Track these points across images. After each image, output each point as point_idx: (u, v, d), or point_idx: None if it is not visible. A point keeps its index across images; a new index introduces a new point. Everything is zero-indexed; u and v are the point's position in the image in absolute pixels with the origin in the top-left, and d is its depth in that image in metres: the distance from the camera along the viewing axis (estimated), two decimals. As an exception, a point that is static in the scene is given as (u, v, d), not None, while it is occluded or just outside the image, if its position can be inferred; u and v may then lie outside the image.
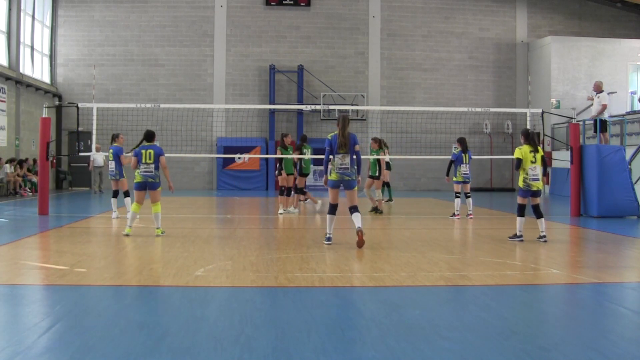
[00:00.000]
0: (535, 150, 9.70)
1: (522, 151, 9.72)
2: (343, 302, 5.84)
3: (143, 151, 10.25)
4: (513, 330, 4.99)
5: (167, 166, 10.57)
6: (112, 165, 12.95)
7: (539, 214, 9.91)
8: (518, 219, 9.83)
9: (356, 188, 9.25)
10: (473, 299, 6.09)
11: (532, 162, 9.66)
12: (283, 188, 14.30)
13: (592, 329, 5.03)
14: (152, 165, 10.24)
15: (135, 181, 10.35)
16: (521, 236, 9.77)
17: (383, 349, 4.38)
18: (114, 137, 13.26)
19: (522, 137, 9.92)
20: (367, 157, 14.96)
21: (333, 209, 9.30)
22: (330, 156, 9.32)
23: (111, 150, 13.02)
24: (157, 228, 10.34)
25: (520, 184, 9.78)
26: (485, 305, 5.83)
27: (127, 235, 10.15)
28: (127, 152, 13.01)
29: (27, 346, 4.36)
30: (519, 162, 9.74)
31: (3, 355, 4.11)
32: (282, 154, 14.43)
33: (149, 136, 10.42)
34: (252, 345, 4.39)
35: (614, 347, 4.49)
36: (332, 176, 9.20)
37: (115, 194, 13.28)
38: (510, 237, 9.91)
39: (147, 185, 10.28)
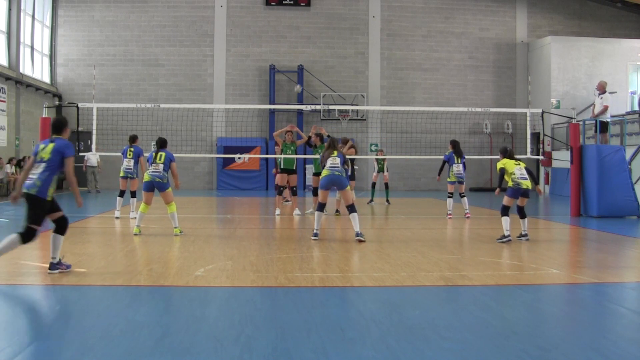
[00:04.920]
0: (515, 158, 10.07)
1: (503, 161, 9.99)
2: (343, 302, 5.84)
3: (154, 154, 10.65)
4: (513, 330, 4.99)
5: (176, 172, 10.86)
6: (130, 163, 12.82)
7: (523, 215, 10.02)
8: (503, 219, 9.82)
9: (348, 188, 9.92)
10: (473, 299, 6.09)
11: (516, 165, 9.90)
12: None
13: (592, 329, 5.03)
14: (161, 166, 10.45)
15: (143, 181, 10.52)
16: (509, 236, 9.72)
17: (383, 349, 4.38)
18: (134, 138, 13.11)
19: (500, 154, 10.18)
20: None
21: (321, 207, 9.95)
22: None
23: (132, 149, 12.89)
24: (175, 227, 10.49)
25: (510, 183, 9.84)
26: (485, 305, 5.83)
27: (136, 234, 10.32)
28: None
29: (27, 346, 4.36)
30: (502, 171, 9.95)
31: (3, 355, 4.11)
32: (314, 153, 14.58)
33: (162, 143, 10.80)
34: (252, 345, 4.39)
35: (614, 347, 4.49)
36: (324, 172, 9.95)
37: (122, 194, 13.14)
38: (498, 239, 9.80)
39: (154, 185, 10.40)
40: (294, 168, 14.12)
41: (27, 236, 6.73)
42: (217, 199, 21.08)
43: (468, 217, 13.49)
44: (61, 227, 7.04)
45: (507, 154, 10.11)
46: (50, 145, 6.90)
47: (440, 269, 7.46)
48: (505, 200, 9.88)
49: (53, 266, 6.96)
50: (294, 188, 14.29)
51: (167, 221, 12.00)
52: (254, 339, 4.56)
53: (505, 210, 9.84)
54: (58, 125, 7.14)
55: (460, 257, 8.44)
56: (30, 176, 6.84)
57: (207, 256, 8.28)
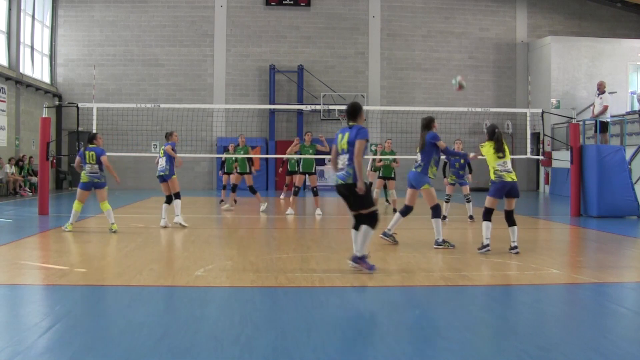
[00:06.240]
0: (500, 150, 8.51)
1: (486, 148, 8.61)
2: (343, 302, 5.83)
3: (86, 152, 10.82)
4: (513, 330, 4.99)
5: (110, 164, 10.96)
6: (161, 162, 11.75)
7: (511, 222, 8.56)
8: (484, 224, 8.52)
9: (426, 187, 8.99)
10: (473, 299, 6.09)
11: (500, 158, 8.48)
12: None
13: (592, 329, 5.03)
14: (96, 166, 10.80)
15: (81, 181, 10.85)
16: (488, 245, 8.48)
17: (383, 349, 4.38)
18: (168, 135, 12.06)
19: (487, 134, 8.76)
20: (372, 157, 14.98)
21: (406, 210, 9.35)
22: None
23: (164, 147, 11.81)
24: (112, 224, 10.61)
25: (492, 177, 8.50)
26: (485, 305, 5.83)
27: (69, 231, 10.55)
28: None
29: (27, 346, 4.36)
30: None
31: (3, 355, 4.11)
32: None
33: (90, 138, 11.04)
34: (252, 345, 4.39)
35: (614, 347, 4.49)
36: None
37: (168, 200, 11.71)
38: (479, 249, 8.57)
39: (93, 185, 10.82)
40: (314, 170, 14.42)
41: (374, 221, 6.85)
42: (217, 199, 21.06)
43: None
44: (372, 220, 6.89)
45: (494, 136, 8.56)
46: (347, 135, 6.91)
47: (440, 269, 7.46)
48: (488, 201, 8.55)
49: (355, 259, 6.95)
50: (315, 189, 14.46)
51: (167, 221, 11.98)
52: (254, 339, 4.56)
53: (487, 215, 8.54)
54: (352, 111, 7.04)
55: (460, 257, 8.44)
56: (339, 167, 6.93)
57: (207, 256, 8.28)
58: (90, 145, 10.93)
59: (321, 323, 4.98)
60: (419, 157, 9.06)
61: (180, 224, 11.34)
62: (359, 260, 6.94)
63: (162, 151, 11.87)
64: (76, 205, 10.77)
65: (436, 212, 8.97)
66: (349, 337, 4.66)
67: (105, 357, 4.17)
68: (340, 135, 6.98)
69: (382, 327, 4.96)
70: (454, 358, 4.23)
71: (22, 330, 4.85)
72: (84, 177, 10.79)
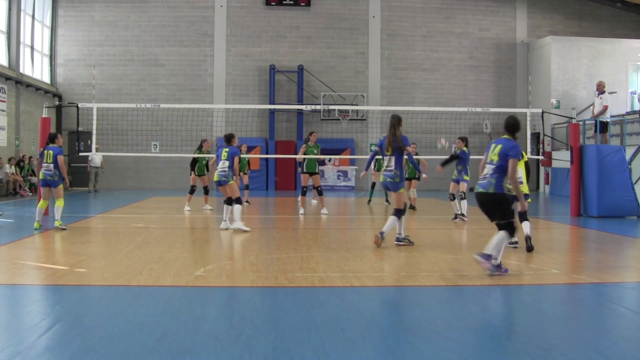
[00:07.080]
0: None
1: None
2: (343, 302, 5.83)
3: (45, 151, 11.15)
4: (513, 330, 4.99)
5: (64, 165, 11.19)
6: (224, 165, 11.22)
7: (522, 218, 8.81)
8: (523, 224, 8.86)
9: (401, 191, 9.12)
10: (473, 299, 6.09)
11: None
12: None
13: (592, 329, 5.03)
14: (51, 165, 11.05)
15: (39, 178, 11.25)
16: (528, 239, 8.78)
17: (383, 349, 4.38)
18: (230, 138, 11.55)
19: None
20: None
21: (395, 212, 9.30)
22: (378, 157, 10.04)
23: (227, 149, 11.35)
24: (57, 220, 10.92)
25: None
26: (485, 305, 5.83)
27: (36, 229, 10.78)
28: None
29: (27, 346, 4.36)
30: None
31: (3, 355, 4.11)
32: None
33: (52, 138, 11.40)
34: (252, 345, 4.39)
35: (614, 347, 4.49)
36: (380, 178, 9.52)
37: (239, 201, 11.32)
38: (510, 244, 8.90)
39: (48, 183, 11.08)
40: (317, 170, 14.53)
41: (511, 230, 6.99)
42: (217, 199, 21.06)
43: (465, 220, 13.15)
44: (509, 229, 7.01)
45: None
46: (499, 147, 7.04)
47: (440, 269, 7.46)
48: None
49: (484, 255, 6.96)
50: (319, 188, 14.52)
51: (168, 221, 12.00)
52: (254, 339, 4.56)
53: (520, 216, 8.66)
54: (514, 125, 7.18)
55: (460, 257, 8.44)
56: (483, 175, 7.12)
57: (207, 256, 8.29)
58: (51, 145, 11.28)
59: (321, 323, 4.98)
60: (392, 161, 9.18)
61: (240, 229, 10.76)
62: (487, 257, 6.90)
63: (225, 154, 11.30)
64: (40, 203, 11.22)
65: (400, 213, 9.10)
66: (349, 337, 4.66)
67: (105, 357, 4.17)
68: (493, 145, 7.15)
69: (382, 327, 4.96)
70: (454, 358, 4.23)
71: (22, 330, 4.85)
72: (40, 174, 11.18)
